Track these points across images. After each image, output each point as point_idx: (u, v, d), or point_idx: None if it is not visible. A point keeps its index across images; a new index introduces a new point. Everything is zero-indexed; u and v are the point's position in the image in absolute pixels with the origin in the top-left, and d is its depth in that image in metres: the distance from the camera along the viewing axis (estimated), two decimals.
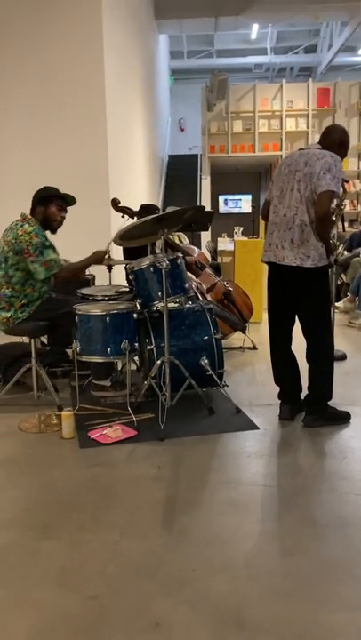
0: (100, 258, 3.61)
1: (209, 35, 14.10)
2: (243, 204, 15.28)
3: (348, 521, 2.18)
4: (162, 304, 3.27)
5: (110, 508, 2.30)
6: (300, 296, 3.08)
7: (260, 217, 3.50)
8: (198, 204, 11.43)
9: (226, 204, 15.53)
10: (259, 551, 2.00)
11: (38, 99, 6.06)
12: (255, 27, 12.54)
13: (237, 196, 15.46)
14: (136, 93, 8.46)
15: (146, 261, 3.42)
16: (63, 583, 1.84)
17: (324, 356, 3.12)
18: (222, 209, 15.18)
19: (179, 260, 3.44)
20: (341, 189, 3.16)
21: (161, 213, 3.19)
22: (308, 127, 11.57)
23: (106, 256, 3.65)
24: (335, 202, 3.18)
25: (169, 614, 1.68)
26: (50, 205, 3.61)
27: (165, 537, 2.09)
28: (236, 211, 15.21)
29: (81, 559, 1.97)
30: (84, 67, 5.95)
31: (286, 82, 11.92)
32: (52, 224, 3.64)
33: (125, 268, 4.18)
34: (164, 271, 3.15)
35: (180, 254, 3.55)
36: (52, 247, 3.54)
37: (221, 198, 15.30)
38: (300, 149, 3.13)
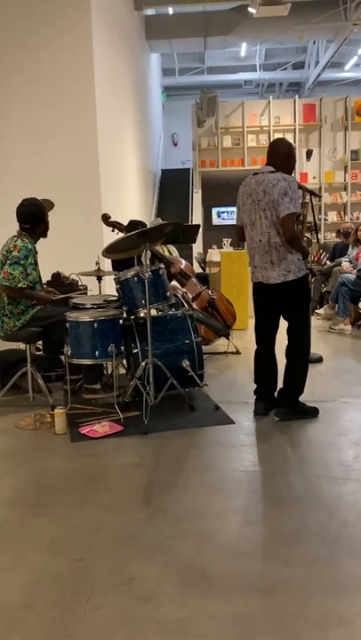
0: (45, 301, 3.93)
1: (200, 52, 14.53)
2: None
3: (305, 497, 2.48)
4: (145, 311, 3.58)
5: (96, 491, 2.60)
6: (286, 305, 3.44)
7: (237, 238, 3.81)
8: (190, 216, 11.79)
9: (219, 216, 15.89)
10: (224, 523, 2.29)
11: (31, 116, 6.41)
12: (244, 45, 12.98)
13: (230, 208, 15.82)
14: (127, 111, 8.84)
15: (131, 272, 3.73)
16: (53, 549, 2.13)
17: (302, 355, 3.46)
18: (215, 221, 15.53)
19: (160, 271, 3.76)
20: (301, 203, 3.47)
21: (142, 229, 3.51)
22: (295, 142, 11.93)
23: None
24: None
25: (142, 571, 1.98)
26: (46, 218, 4.04)
27: (144, 512, 2.39)
28: (229, 222, 15.56)
29: (69, 531, 2.26)
30: (75, 85, 6.31)
31: (276, 97, 12.33)
32: (47, 232, 4.09)
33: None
34: (146, 281, 3.46)
35: (162, 265, 3.86)
36: (23, 266, 3.78)
37: (214, 210, 15.66)
38: (254, 174, 3.44)
